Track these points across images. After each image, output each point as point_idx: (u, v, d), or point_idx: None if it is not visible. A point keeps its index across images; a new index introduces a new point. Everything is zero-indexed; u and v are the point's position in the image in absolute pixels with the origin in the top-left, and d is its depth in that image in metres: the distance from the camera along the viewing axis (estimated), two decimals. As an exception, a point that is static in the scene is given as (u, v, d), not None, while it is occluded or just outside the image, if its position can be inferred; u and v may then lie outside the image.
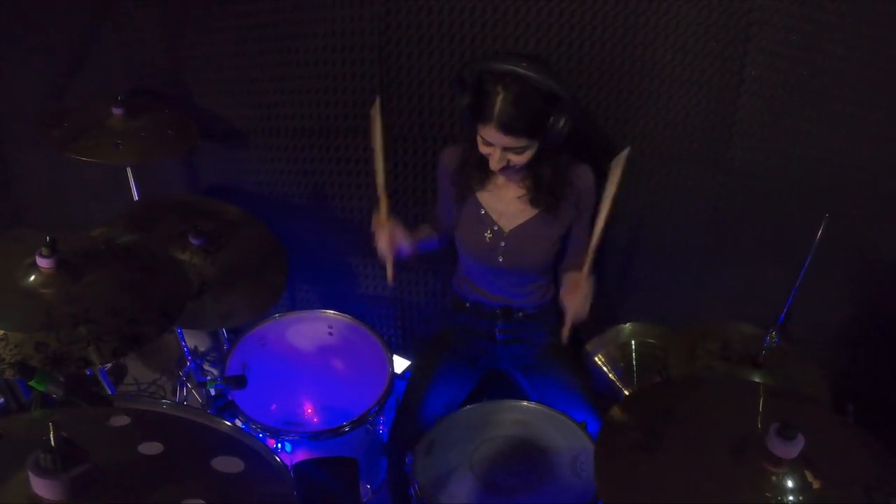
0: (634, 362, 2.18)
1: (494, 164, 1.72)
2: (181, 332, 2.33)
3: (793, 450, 1.09)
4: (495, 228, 1.90)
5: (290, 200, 2.44)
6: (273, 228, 2.17)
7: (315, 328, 2.18)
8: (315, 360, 2.22)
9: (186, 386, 2.46)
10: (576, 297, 1.72)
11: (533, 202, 1.85)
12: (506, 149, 1.69)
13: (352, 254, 2.50)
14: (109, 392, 2.15)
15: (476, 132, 1.73)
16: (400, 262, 1.83)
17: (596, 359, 2.17)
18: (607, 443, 1.24)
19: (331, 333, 2.18)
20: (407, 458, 1.68)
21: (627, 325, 2.18)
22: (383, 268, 1.82)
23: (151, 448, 0.89)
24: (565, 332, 1.75)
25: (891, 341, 1.92)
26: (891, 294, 1.95)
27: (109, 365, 2.53)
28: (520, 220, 1.89)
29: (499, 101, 1.61)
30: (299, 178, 2.39)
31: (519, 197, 1.88)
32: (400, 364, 2.56)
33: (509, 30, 1.97)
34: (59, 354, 1.29)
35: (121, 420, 0.96)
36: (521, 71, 1.61)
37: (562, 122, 1.66)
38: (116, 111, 2.13)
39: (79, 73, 2.39)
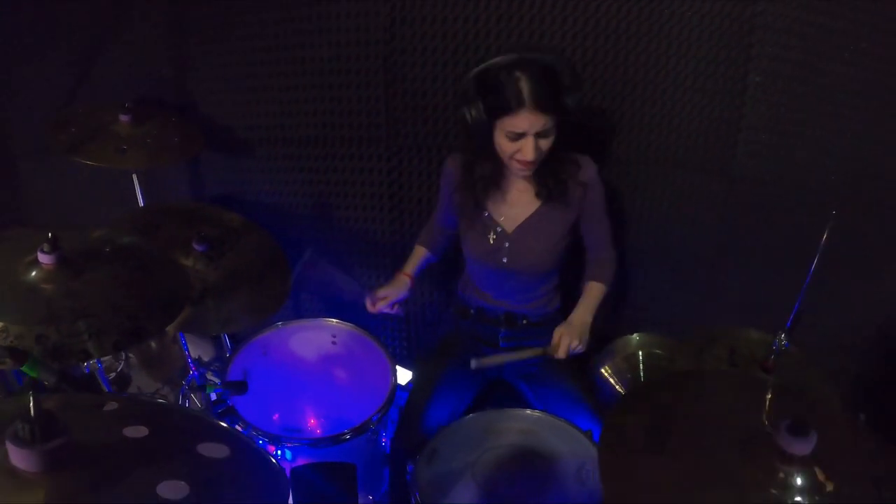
0: (642, 374, 2.13)
1: (530, 154, 1.69)
2: (185, 342, 2.32)
3: (805, 447, 1.05)
4: (499, 230, 1.89)
5: (294, 209, 2.44)
6: (277, 237, 2.16)
7: (318, 337, 2.16)
8: (318, 369, 2.20)
9: (190, 396, 2.44)
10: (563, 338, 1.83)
11: (538, 194, 1.86)
12: (537, 135, 1.68)
13: (355, 263, 2.49)
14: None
15: (490, 139, 1.73)
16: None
17: (602, 370, 2.13)
18: (610, 447, 1.21)
19: (334, 343, 2.16)
20: (408, 467, 1.65)
21: (635, 335, 2.15)
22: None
23: (137, 431, 0.89)
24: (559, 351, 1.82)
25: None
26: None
27: (113, 375, 2.53)
28: (523, 217, 1.89)
29: (524, 84, 1.62)
30: (303, 188, 2.40)
31: (521, 194, 1.88)
32: (404, 376, 2.53)
33: (514, 37, 1.98)
34: (59, 346, 1.29)
35: (110, 406, 0.97)
36: (530, 55, 1.65)
37: (577, 96, 1.69)
38: (123, 118, 2.15)
39: (87, 83, 2.43)
